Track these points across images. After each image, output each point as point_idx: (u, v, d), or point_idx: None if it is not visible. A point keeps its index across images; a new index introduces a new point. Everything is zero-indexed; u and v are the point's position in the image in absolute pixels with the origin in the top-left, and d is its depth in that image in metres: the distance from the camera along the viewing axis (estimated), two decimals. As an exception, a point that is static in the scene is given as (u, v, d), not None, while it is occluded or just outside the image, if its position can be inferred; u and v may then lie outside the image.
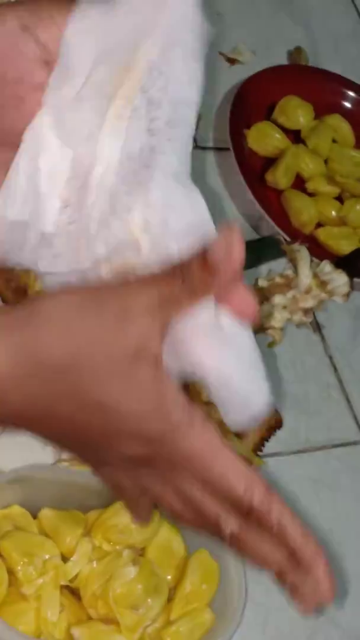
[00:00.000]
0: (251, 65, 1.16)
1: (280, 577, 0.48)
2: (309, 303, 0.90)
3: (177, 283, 0.46)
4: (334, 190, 1.09)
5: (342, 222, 1.07)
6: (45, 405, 0.47)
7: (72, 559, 0.75)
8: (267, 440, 0.89)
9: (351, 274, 0.93)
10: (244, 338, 0.48)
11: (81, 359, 0.46)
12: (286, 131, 1.11)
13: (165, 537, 0.79)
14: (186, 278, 0.46)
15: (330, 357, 1.00)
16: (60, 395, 0.46)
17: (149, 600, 0.75)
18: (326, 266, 0.92)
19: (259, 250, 0.98)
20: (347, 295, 0.92)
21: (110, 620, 0.74)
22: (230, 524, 0.48)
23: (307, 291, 0.90)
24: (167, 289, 0.46)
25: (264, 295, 0.88)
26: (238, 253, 0.47)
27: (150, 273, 0.47)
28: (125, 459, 0.49)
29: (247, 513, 0.47)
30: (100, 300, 0.46)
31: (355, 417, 0.97)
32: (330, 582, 0.48)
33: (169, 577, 0.78)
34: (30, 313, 0.46)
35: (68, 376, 0.46)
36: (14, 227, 0.51)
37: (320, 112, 1.13)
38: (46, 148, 0.49)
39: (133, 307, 0.46)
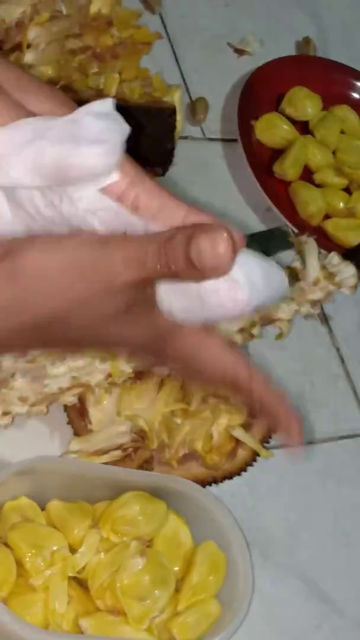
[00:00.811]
0: (259, 56, 1.15)
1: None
2: (317, 295, 0.90)
3: (160, 268, 0.47)
4: (342, 182, 1.09)
5: (350, 213, 1.07)
6: (41, 345, 0.52)
7: (80, 550, 0.75)
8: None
9: (359, 266, 0.93)
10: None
11: (72, 316, 0.49)
12: (294, 122, 1.11)
13: (172, 529, 0.79)
14: (170, 268, 0.47)
15: (338, 349, 1.00)
16: (54, 339, 0.51)
17: (156, 591, 0.75)
18: (334, 258, 0.92)
19: (266, 242, 0.98)
20: (355, 287, 0.92)
21: (117, 612, 0.74)
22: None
23: (315, 283, 0.90)
24: (151, 272, 0.47)
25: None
26: (227, 260, 0.47)
27: (134, 246, 0.48)
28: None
29: (231, 389, 0.54)
30: (84, 266, 0.48)
31: (362, 409, 0.97)
32: (300, 434, 0.56)
33: (176, 568, 0.78)
34: (12, 275, 0.47)
35: (59, 328, 0.49)
36: None
37: (329, 103, 1.13)
38: None
39: (119, 284, 0.48)
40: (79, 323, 0.49)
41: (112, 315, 0.49)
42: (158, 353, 0.53)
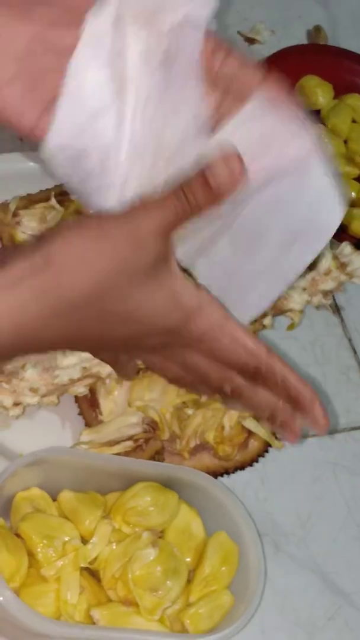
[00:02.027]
0: (270, 44, 1.15)
1: (271, 419, 0.58)
2: (329, 285, 0.90)
3: (181, 207, 0.50)
4: (354, 171, 1.08)
5: (361, 203, 1.06)
6: (75, 334, 0.52)
7: (91, 541, 0.75)
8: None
9: (371, 256, 0.92)
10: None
11: (104, 287, 0.50)
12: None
13: (184, 520, 0.79)
14: (190, 200, 0.50)
15: (350, 339, 0.99)
16: (88, 322, 0.52)
17: (169, 582, 0.75)
18: (346, 248, 0.91)
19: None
20: (367, 277, 0.92)
21: (129, 602, 0.74)
22: (233, 383, 0.56)
23: (327, 273, 0.90)
24: (172, 213, 0.50)
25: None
26: (240, 174, 0.50)
27: (154, 198, 0.50)
28: (143, 350, 0.55)
29: (253, 374, 0.55)
30: (110, 233, 0.50)
31: (374, 400, 0.96)
32: (326, 418, 0.59)
33: (188, 559, 0.78)
34: (47, 260, 0.50)
35: (93, 305, 0.51)
36: (75, 157, 0.54)
37: (340, 91, 1.12)
38: (88, 74, 0.53)
39: (143, 235, 0.50)
40: (113, 294, 0.50)
41: (140, 276, 0.50)
42: (179, 330, 0.53)
